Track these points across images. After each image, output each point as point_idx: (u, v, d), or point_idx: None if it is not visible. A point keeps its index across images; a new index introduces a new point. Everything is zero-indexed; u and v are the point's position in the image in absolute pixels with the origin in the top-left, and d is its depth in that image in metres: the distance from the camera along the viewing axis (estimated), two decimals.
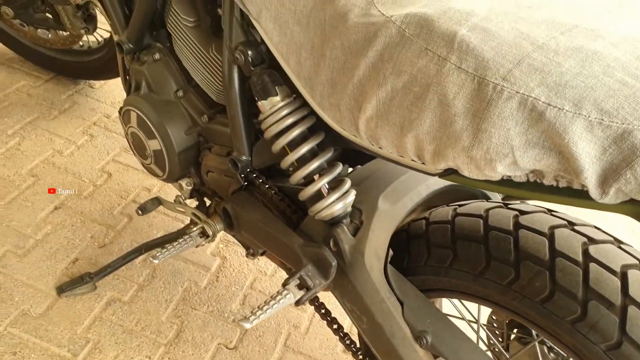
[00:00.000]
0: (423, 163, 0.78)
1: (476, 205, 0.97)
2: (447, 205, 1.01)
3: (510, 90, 0.63)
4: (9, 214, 1.58)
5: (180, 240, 1.23)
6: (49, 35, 1.91)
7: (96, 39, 1.97)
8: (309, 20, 0.85)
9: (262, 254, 1.30)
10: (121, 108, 1.34)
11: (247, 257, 1.31)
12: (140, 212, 1.33)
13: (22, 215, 1.59)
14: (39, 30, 1.90)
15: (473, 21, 0.70)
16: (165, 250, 1.20)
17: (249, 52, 1.01)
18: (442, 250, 0.95)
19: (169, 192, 1.83)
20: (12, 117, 1.89)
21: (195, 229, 1.26)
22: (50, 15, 1.86)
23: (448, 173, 0.77)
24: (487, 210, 0.94)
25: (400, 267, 1.01)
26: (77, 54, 2.01)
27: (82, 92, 2.13)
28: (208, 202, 1.37)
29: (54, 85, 2.10)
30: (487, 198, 1.09)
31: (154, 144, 1.27)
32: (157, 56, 1.26)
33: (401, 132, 0.75)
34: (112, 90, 2.18)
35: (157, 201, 1.35)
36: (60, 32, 1.88)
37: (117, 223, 1.67)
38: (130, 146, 1.38)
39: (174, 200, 1.35)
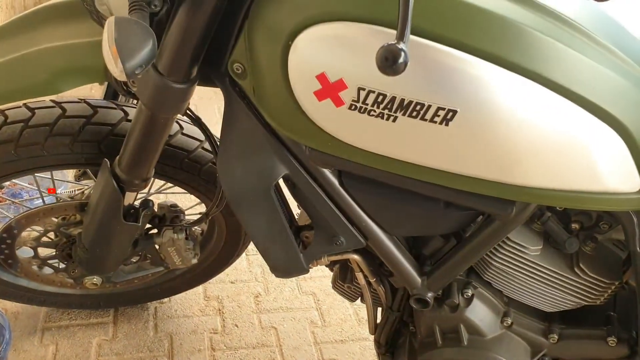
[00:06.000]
0: None
1: None
2: None
3: None
4: None
5: None
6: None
7: None
8: None
9: None
10: None
11: None
12: None
13: None
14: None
15: None
16: None
17: None
18: None
19: None
20: None
21: None
22: (138, 260, 1.49)
23: None
24: None
25: None
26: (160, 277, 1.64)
27: (159, 315, 1.75)
28: None
29: (127, 327, 1.70)
30: None
31: None
32: (469, 293, 1.06)
33: None
34: (182, 297, 1.81)
35: None
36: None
37: None
38: None
39: None
